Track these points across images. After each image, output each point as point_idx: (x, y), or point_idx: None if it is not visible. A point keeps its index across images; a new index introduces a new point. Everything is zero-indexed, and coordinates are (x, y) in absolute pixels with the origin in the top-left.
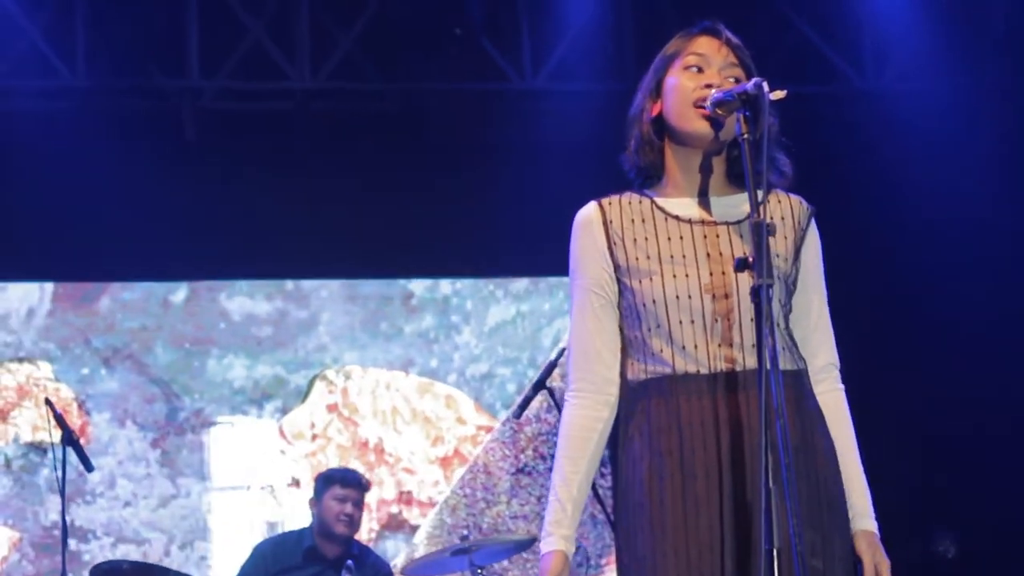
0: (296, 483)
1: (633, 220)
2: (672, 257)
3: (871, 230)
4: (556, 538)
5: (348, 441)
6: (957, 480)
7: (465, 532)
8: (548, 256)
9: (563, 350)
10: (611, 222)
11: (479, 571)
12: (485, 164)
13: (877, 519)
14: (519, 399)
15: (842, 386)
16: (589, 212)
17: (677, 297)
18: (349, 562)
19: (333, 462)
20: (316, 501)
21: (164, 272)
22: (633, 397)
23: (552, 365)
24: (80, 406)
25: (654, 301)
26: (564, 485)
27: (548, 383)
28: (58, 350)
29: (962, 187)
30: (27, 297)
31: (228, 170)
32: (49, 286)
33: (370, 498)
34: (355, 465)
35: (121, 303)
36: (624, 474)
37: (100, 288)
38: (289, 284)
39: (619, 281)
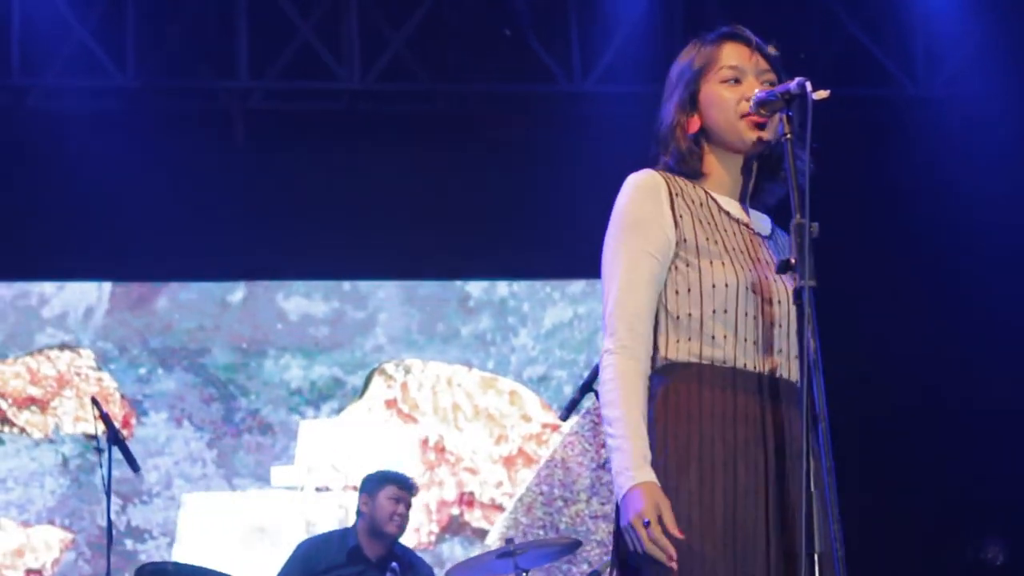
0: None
1: (694, 200)
2: (734, 248)
3: (921, 236)
4: (649, 469)
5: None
6: (1006, 487)
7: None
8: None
9: None
10: (677, 195)
11: (524, 574)
12: (535, 165)
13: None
14: (567, 402)
15: None
16: (654, 178)
17: (747, 289)
18: (394, 564)
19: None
20: (369, 499)
21: (221, 272)
22: (678, 376)
23: (598, 368)
24: (123, 397)
25: (726, 285)
26: (638, 432)
27: (594, 386)
28: (115, 350)
29: (1010, 194)
30: (85, 297)
31: (279, 171)
32: (107, 286)
33: (429, 499)
34: (414, 465)
35: (178, 303)
36: (673, 457)
37: (157, 288)
38: (346, 285)
39: (679, 256)
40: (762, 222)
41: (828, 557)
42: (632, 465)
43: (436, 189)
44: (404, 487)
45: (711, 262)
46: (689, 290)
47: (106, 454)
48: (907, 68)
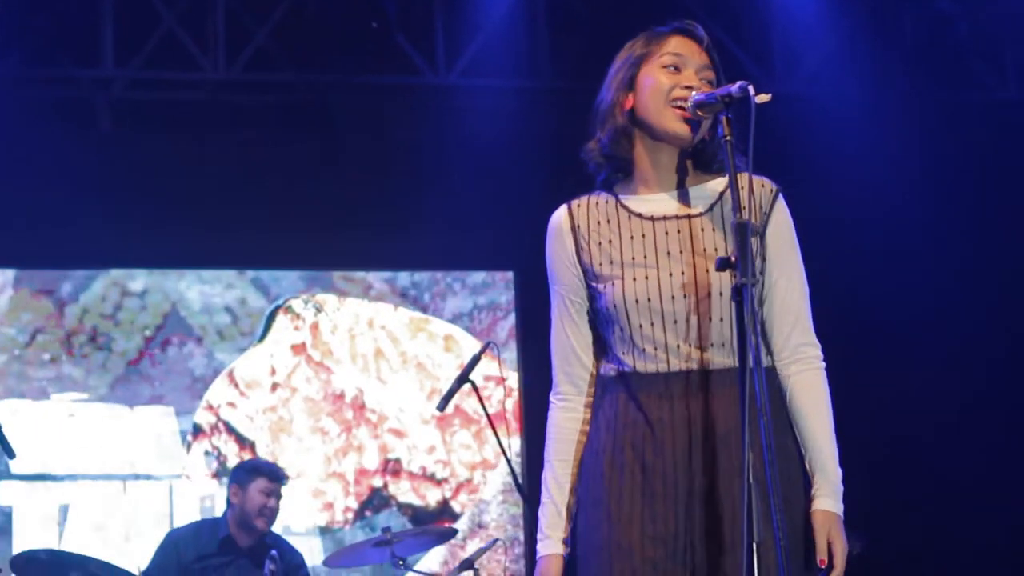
0: (249, 446)
1: (599, 222)
2: (634, 259)
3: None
4: (552, 541)
5: (318, 392)
6: (868, 481)
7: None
8: (466, 249)
9: (488, 343)
10: (578, 227)
11: (400, 562)
12: (399, 157)
13: None
14: (444, 392)
15: (822, 364)
16: (559, 218)
17: (637, 301)
18: (274, 552)
19: (299, 419)
20: (239, 490)
21: (81, 262)
22: (600, 392)
23: (476, 359)
24: None
25: (615, 306)
26: (558, 488)
27: (470, 376)
28: None
29: (867, 188)
30: None
31: (143, 160)
32: None
33: (346, 467)
34: (329, 424)
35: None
36: (585, 467)
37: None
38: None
39: (588, 286)
40: (707, 191)
41: (769, 547)
42: (539, 538)
43: (300, 180)
44: (275, 479)
45: (604, 285)
46: (598, 315)
47: None
48: (766, 66)
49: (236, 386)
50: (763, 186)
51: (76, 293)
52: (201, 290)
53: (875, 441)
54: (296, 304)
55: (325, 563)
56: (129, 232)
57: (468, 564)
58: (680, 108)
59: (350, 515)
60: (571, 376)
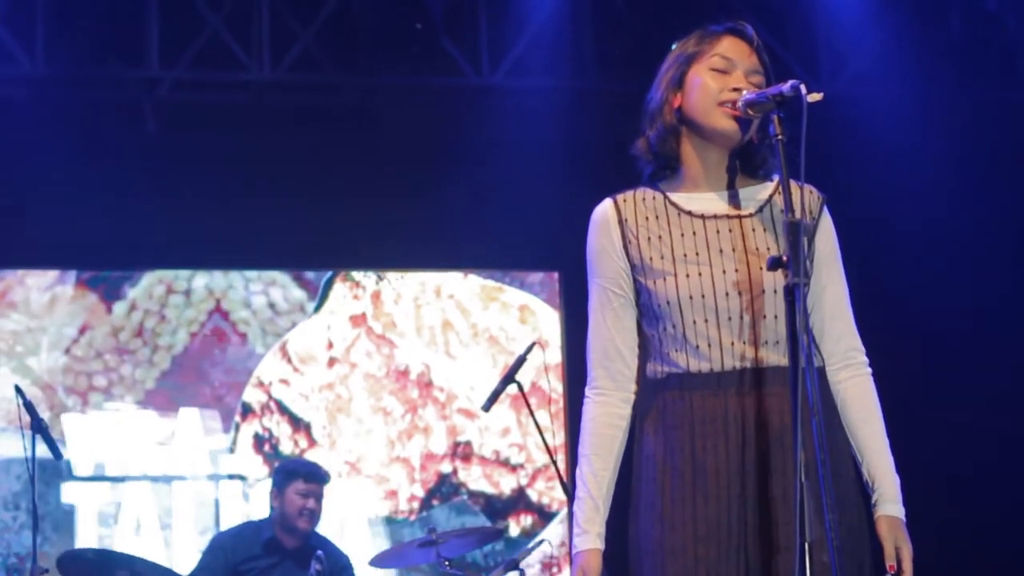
0: (304, 428)
1: (647, 217)
2: (686, 256)
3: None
4: (592, 536)
5: (380, 368)
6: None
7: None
8: (511, 250)
9: (534, 342)
10: (626, 220)
11: (446, 563)
12: (442, 158)
13: None
14: (491, 392)
15: (870, 370)
16: (605, 210)
17: (691, 297)
18: (319, 553)
19: (359, 398)
20: (278, 494)
21: (129, 262)
22: (649, 394)
23: (522, 359)
24: None
25: (668, 302)
26: (596, 482)
27: (516, 376)
28: None
29: (919, 189)
30: None
31: (188, 161)
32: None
33: (411, 452)
34: (392, 403)
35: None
36: (637, 471)
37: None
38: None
39: (635, 280)
40: (757, 196)
41: (821, 546)
42: (576, 532)
43: (344, 182)
44: (312, 480)
45: (655, 281)
46: (647, 311)
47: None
48: (812, 66)
49: (289, 361)
50: (811, 192)
51: (124, 290)
52: (245, 286)
53: (923, 442)
54: (355, 273)
55: (371, 563)
56: (175, 232)
57: (513, 564)
58: (727, 107)
59: (415, 504)
60: (610, 371)
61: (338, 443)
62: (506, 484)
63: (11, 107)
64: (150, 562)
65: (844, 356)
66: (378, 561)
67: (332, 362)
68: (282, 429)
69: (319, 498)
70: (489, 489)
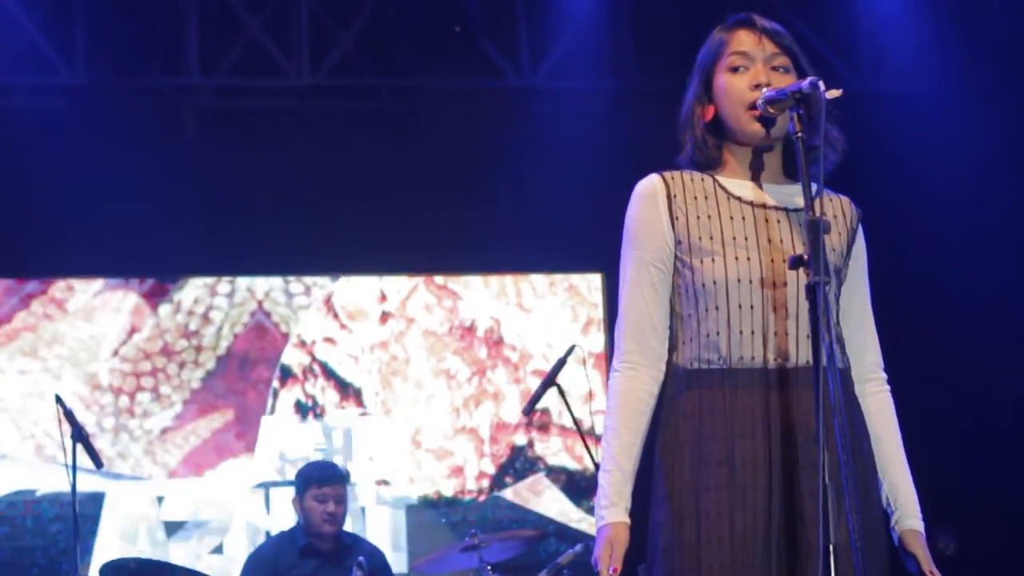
0: (354, 394)
1: (696, 197)
2: (735, 239)
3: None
4: (620, 509)
5: (442, 324)
6: (958, 476)
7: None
8: (551, 254)
9: (572, 348)
10: (675, 196)
11: (488, 568)
12: (484, 161)
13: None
14: (530, 396)
15: (888, 388)
16: (652, 183)
17: (739, 281)
18: (361, 559)
19: (417, 359)
20: (298, 501)
21: (170, 270)
22: (682, 380)
23: (562, 362)
24: None
25: (715, 282)
26: (625, 455)
27: (556, 379)
28: None
29: (960, 188)
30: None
31: (229, 168)
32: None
33: (480, 421)
34: (456, 364)
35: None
36: (668, 459)
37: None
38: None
39: (678, 258)
40: (794, 197)
41: (845, 548)
42: (604, 504)
43: (385, 185)
44: (325, 483)
45: (703, 260)
46: (687, 291)
47: (70, 450)
48: (853, 63)
49: (335, 317)
50: (850, 205)
51: (166, 297)
52: (286, 289)
53: (965, 438)
54: (395, 276)
55: (412, 569)
56: (216, 238)
57: (556, 570)
58: (754, 110)
59: (485, 483)
60: (643, 346)
61: (393, 411)
62: (589, 458)
63: (51, 117)
64: (192, 571)
65: (868, 370)
66: (419, 566)
67: (385, 317)
68: (328, 396)
69: (338, 499)
70: (571, 464)
